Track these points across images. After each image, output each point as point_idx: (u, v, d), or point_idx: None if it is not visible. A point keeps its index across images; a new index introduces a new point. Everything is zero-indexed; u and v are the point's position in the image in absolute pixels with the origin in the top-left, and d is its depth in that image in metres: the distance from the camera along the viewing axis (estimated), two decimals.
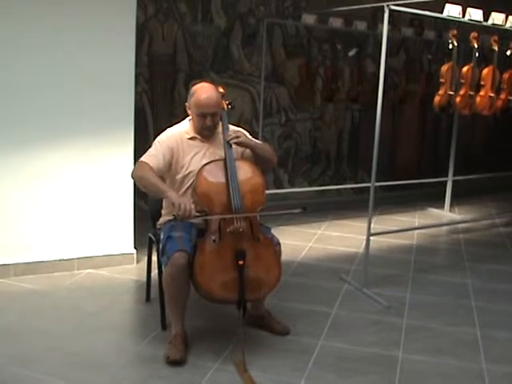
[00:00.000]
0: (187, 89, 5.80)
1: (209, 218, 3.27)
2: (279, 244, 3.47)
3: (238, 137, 3.42)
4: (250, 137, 3.56)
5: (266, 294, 3.43)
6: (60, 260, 4.46)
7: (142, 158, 3.37)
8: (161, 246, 3.35)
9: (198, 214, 3.20)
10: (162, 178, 3.39)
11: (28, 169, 4.27)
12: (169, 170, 3.44)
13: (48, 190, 4.35)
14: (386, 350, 3.47)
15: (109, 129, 4.47)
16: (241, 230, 3.23)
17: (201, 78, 5.84)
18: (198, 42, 5.90)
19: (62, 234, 4.45)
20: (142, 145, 4.67)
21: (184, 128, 3.51)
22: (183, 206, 3.09)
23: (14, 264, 4.31)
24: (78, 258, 4.52)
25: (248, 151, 3.54)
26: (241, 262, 3.14)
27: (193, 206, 3.14)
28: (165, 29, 5.70)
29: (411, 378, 3.18)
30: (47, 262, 4.41)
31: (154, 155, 3.37)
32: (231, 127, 3.55)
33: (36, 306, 3.88)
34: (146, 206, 4.76)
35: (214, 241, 3.22)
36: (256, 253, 3.26)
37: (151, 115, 5.78)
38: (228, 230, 3.23)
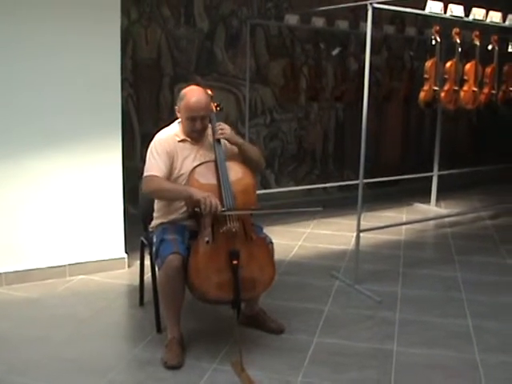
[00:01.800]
0: (172, 92, 5.86)
1: (233, 213, 3.26)
2: (272, 243, 3.50)
3: (223, 133, 3.45)
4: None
5: (260, 292, 3.46)
6: (51, 267, 4.45)
7: (147, 173, 3.37)
8: (154, 249, 3.36)
9: (223, 209, 3.22)
10: None
11: (17, 176, 4.26)
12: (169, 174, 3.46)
13: (36, 196, 4.34)
14: (381, 344, 3.51)
15: (97, 134, 4.47)
16: (234, 230, 3.25)
17: (186, 81, 5.83)
18: (181, 46, 5.92)
19: (53, 241, 4.45)
20: (128, 149, 4.70)
21: (174, 131, 3.53)
22: (209, 201, 3.13)
23: (4, 273, 4.29)
24: (69, 265, 4.51)
25: (236, 151, 3.56)
26: (235, 262, 3.16)
27: (218, 201, 3.18)
28: (148, 33, 5.72)
29: (407, 370, 3.22)
30: (38, 269, 4.40)
31: (156, 165, 3.37)
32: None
33: (30, 313, 3.87)
34: (135, 210, 4.79)
35: (208, 242, 3.23)
36: (249, 252, 3.28)
37: (137, 119, 5.78)
38: (221, 230, 3.25)
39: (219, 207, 3.17)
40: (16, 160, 4.24)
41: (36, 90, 4.22)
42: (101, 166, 4.52)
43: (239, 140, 3.57)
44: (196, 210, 3.20)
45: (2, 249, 4.28)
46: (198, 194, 3.20)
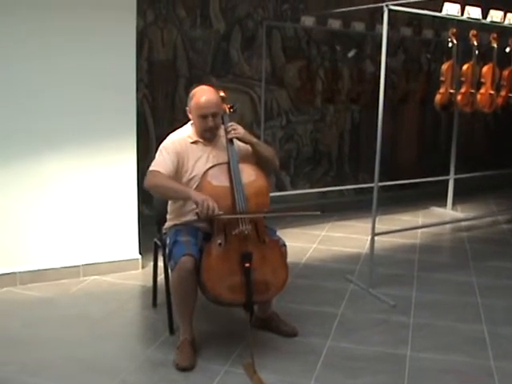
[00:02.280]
0: (188, 94, 5.82)
1: (232, 216, 3.26)
2: (285, 245, 3.49)
3: (236, 132, 3.44)
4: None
5: (273, 295, 3.44)
6: (65, 267, 4.47)
7: (152, 168, 3.37)
8: (167, 250, 3.36)
9: (221, 212, 3.20)
10: None
11: (31, 176, 4.28)
12: (176, 175, 3.45)
13: (52, 197, 4.36)
14: (394, 348, 3.48)
15: (112, 134, 4.48)
16: (246, 232, 3.24)
17: (201, 82, 5.84)
18: (197, 47, 5.92)
19: (67, 241, 4.46)
20: (144, 150, 4.71)
21: (186, 133, 3.53)
22: (206, 204, 3.11)
23: (19, 272, 4.31)
24: (83, 265, 4.52)
25: (250, 150, 3.55)
26: (247, 265, 3.15)
27: (216, 206, 3.16)
28: (164, 34, 5.72)
29: (420, 375, 3.19)
30: (53, 269, 4.42)
31: (163, 162, 3.37)
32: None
33: (43, 313, 3.88)
34: (149, 211, 4.79)
35: (220, 244, 3.23)
36: (262, 255, 3.27)
37: (152, 121, 5.79)
38: (233, 232, 3.24)
39: (216, 210, 3.14)
40: (30, 161, 4.26)
41: (51, 90, 4.23)
42: (116, 167, 4.53)
43: (253, 139, 3.56)
44: (196, 211, 3.18)
45: (16, 249, 4.31)
46: (196, 196, 3.18)
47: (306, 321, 3.82)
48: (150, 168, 3.38)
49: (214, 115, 3.42)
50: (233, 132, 3.44)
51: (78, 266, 4.51)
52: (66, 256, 4.47)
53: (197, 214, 3.20)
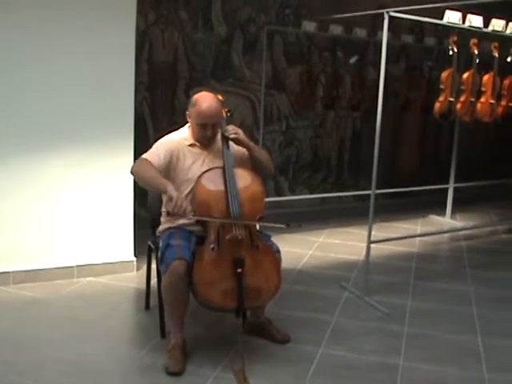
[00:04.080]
0: (188, 96, 5.79)
1: (204, 219, 3.25)
2: (279, 251, 3.46)
3: (236, 133, 3.43)
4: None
5: (265, 302, 3.41)
6: (59, 268, 4.44)
7: (143, 156, 3.37)
8: (159, 253, 3.34)
9: (193, 214, 3.17)
10: None
11: (25, 177, 4.26)
12: (168, 173, 3.41)
13: (47, 197, 4.34)
14: (387, 357, 3.45)
15: (108, 136, 4.47)
16: (239, 237, 3.22)
17: (201, 85, 5.85)
18: (198, 50, 5.91)
19: (62, 242, 4.44)
20: (142, 152, 4.67)
21: (183, 135, 3.51)
22: (179, 202, 3.06)
23: (13, 272, 4.30)
24: (77, 266, 4.50)
25: (246, 155, 3.53)
26: (239, 270, 3.13)
27: (189, 206, 3.13)
28: (165, 36, 5.71)
29: None
30: (46, 269, 4.40)
31: (155, 153, 3.36)
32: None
33: (35, 313, 3.86)
34: (146, 213, 4.76)
35: (213, 249, 3.21)
36: (255, 261, 3.24)
37: (152, 123, 5.78)
38: (226, 237, 3.21)
39: (187, 212, 3.10)
40: (26, 162, 4.24)
41: (48, 92, 4.22)
42: (112, 169, 4.51)
43: (250, 143, 3.54)
44: (169, 210, 3.13)
45: (10, 248, 4.28)
46: (172, 191, 3.11)
47: (299, 327, 3.78)
48: (141, 156, 3.38)
49: (213, 125, 3.41)
50: (232, 132, 3.43)
51: (72, 267, 4.49)
52: (60, 256, 4.44)
53: (168, 211, 3.15)
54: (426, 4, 4.42)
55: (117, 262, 4.64)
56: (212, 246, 3.20)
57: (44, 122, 4.25)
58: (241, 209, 3.27)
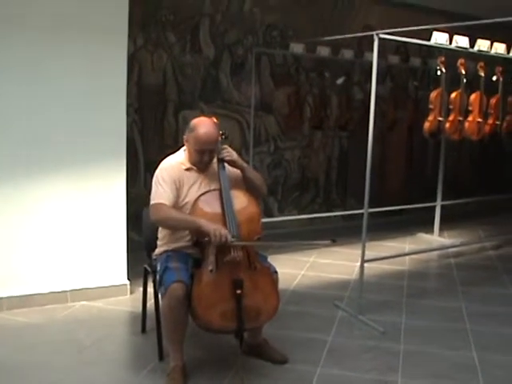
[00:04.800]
0: (177, 119, 5.90)
1: (242, 243, 3.27)
2: (276, 272, 3.48)
3: (231, 155, 3.47)
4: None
5: (264, 322, 3.42)
6: (53, 292, 4.42)
7: (155, 201, 3.35)
8: (158, 276, 3.34)
9: (234, 239, 3.21)
10: None
11: (19, 200, 4.25)
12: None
13: (40, 221, 4.33)
14: (385, 375, 3.47)
15: (101, 159, 4.47)
16: (237, 259, 3.24)
17: (190, 108, 5.89)
18: (186, 72, 5.95)
19: (55, 266, 4.42)
20: (132, 175, 4.69)
21: (180, 159, 3.52)
22: (219, 233, 3.13)
23: (6, 297, 4.26)
24: (71, 291, 4.48)
25: (240, 176, 3.57)
26: (238, 291, 3.15)
27: (229, 233, 3.18)
28: (154, 59, 5.75)
29: None
30: (40, 294, 4.37)
31: (165, 193, 3.35)
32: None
33: (30, 339, 3.83)
34: (138, 236, 4.77)
35: (211, 271, 3.22)
36: (253, 282, 3.26)
37: (141, 145, 5.79)
38: (225, 259, 3.23)
39: (229, 237, 3.16)
40: (18, 184, 4.23)
41: (40, 114, 4.22)
42: (105, 192, 4.51)
43: (244, 164, 3.59)
44: (206, 239, 3.18)
45: (3, 273, 4.25)
46: (207, 225, 3.18)
47: (296, 347, 3.80)
48: (153, 201, 3.36)
49: (211, 151, 3.43)
50: (226, 154, 3.46)
51: (66, 292, 4.47)
52: (53, 281, 4.42)
53: (200, 241, 3.21)
54: (409, 24, 4.50)
55: (110, 286, 4.62)
56: (210, 267, 3.22)
57: (36, 144, 4.23)
58: (239, 230, 3.30)
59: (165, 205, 3.31)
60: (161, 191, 3.36)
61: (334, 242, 3.39)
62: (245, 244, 3.28)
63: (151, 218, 3.36)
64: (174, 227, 3.39)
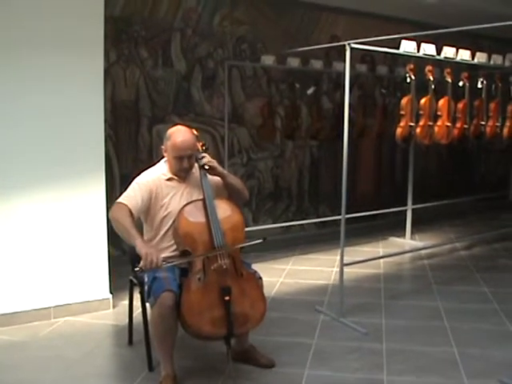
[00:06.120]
0: (151, 133, 5.95)
1: (175, 263, 3.34)
2: (261, 278, 3.56)
3: (211, 161, 3.55)
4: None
5: (252, 327, 3.48)
6: (36, 309, 4.42)
7: (120, 199, 3.40)
8: (146, 287, 3.38)
9: (164, 262, 3.21)
10: (139, 218, 3.49)
11: None
12: (148, 211, 3.51)
13: (20, 238, 4.34)
14: (371, 374, 3.57)
15: (80, 174, 4.49)
16: (224, 266, 3.31)
17: (163, 122, 5.95)
18: (159, 87, 6.02)
19: (37, 283, 4.42)
20: (108, 189, 4.73)
21: (161, 170, 3.59)
22: (150, 258, 3.09)
23: None
24: (54, 307, 4.49)
25: (221, 183, 3.66)
26: (227, 298, 3.21)
27: (160, 256, 3.16)
28: (127, 75, 5.80)
29: None
30: (23, 312, 4.37)
31: (133, 196, 3.41)
32: None
33: (16, 357, 3.82)
34: (116, 251, 4.79)
35: (199, 279, 3.28)
36: (240, 288, 3.33)
37: (116, 161, 5.82)
38: (212, 267, 3.30)
39: (160, 263, 3.12)
40: None
41: (17, 128, 4.24)
42: (85, 207, 4.54)
43: (224, 170, 3.68)
44: (141, 267, 3.14)
45: None
46: (141, 248, 3.14)
47: (282, 352, 3.87)
48: (119, 199, 3.40)
49: (189, 157, 3.50)
50: (207, 161, 3.54)
51: (49, 308, 4.47)
52: (36, 298, 4.42)
53: (140, 268, 3.14)
54: (372, 33, 4.65)
55: (93, 301, 4.64)
56: (198, 276, 3.28)
57: (13, 160, 4.24)
58: (224, 239, 3.37)
59: (125, 207, 3.32)
60: (131, 194, 3.42)
61: (265, 239, 3.48)
62: (176, 263, 3.35)
63: (109, 214, 3.38)
64: (119, 232, 3.32)
